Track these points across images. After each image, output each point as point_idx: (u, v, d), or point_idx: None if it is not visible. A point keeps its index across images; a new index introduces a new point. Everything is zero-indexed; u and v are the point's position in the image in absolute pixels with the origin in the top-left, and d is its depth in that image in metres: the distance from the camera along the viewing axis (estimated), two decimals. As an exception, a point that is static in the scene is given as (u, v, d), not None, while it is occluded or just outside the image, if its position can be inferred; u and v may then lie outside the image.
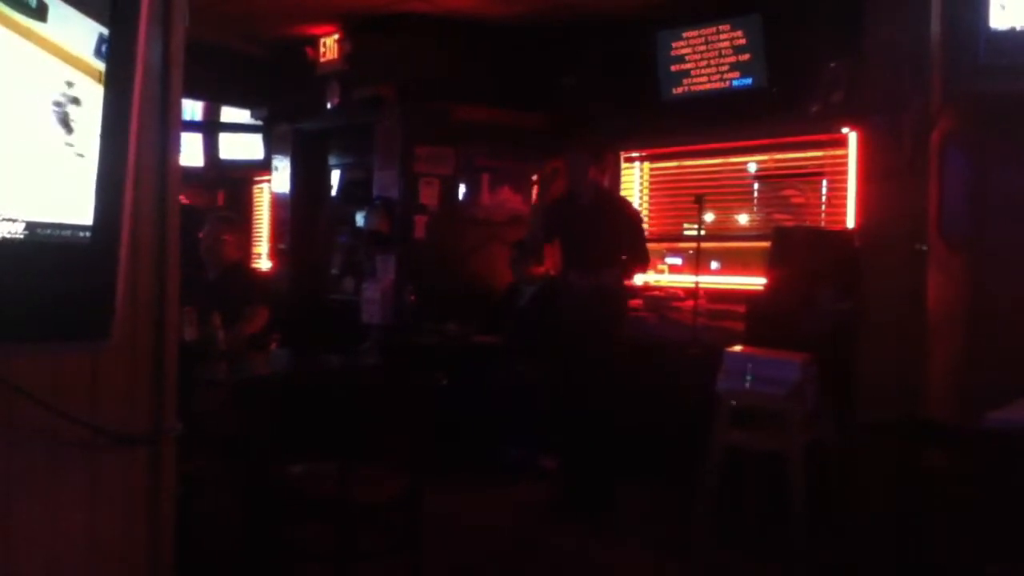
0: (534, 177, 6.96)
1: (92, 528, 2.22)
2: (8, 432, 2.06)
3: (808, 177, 5.65)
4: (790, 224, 5.61)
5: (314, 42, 7.09)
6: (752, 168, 5.93)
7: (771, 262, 4.97)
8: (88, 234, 2.07)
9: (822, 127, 5.34)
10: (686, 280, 5.85)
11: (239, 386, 3.88)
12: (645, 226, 5.72)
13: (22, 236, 1.96)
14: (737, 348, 4.34)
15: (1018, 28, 3.66)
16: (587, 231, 5.02)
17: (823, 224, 5.52)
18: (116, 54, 2.08)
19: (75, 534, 2.20)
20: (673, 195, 6.37)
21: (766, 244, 5.18)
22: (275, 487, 3.51)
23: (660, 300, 5.89)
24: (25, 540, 2.11)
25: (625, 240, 5.07)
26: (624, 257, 5.06)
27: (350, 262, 7.40)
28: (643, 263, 5.22)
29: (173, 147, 2.41)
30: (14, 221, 1.94)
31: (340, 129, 7.45)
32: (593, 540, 4.45)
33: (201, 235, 4.79)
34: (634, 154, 6.52)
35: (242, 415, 3.69)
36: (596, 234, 5.00)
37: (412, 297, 6.30)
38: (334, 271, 7.66)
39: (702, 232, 5.46)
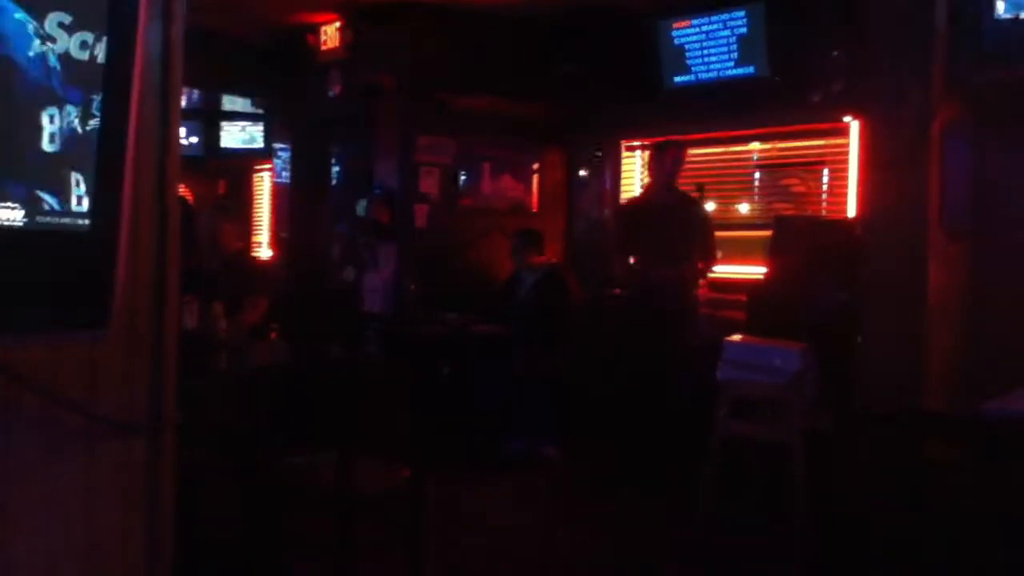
0: (535, 166, 6.95)
1: (90, 517, 2.23)
2: (6, 420, 2.06)
3: (809, 166, 5.64)
4: (791, 213, 5.60)
5: (315, 30, 7.06)
6: (754, 156, 5.91)
7: (772, 251, 4.96)
8: (87, 221, 2.07)
9: (824, 116, 5.32)
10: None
11: (240, 376, 3.88)
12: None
13: (21, 223, 1.96)
14: (737, 337, 4.34)
15: (1022, 17, 3.64)
16: (666, 228, 5.12)
17: (824, 213, 5.51)
18: (116, 42, 2.08)
19: (73, 523, 2.20)
20: (674, 184, 6.35)
21: (767, 233, 5.17)
22: (275, 478, 3.51)
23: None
24: (23, 528, 2.11)
25: (697, 236, 5.18)
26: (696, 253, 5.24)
27: (351, 251, 7.39)
28: (713, 258, 5.38)
29: (173, 135, 2.41)
30: (13, 208, 1.94)
31: (341, 118, 7.42)
32: (594, 530, 4.46)
33: (196, 228, 4.79)
34: (635, 143, 6.51)
35: (243, 406, 3.69)
36: (673, 230, 5.11)
37: (413, 286, 6.29)
38: (335, 260, 7.65)
39: (703, 221, 5.45)
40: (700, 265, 5.33)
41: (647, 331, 5.11)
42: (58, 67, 1.99)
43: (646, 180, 6.02)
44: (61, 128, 2.01)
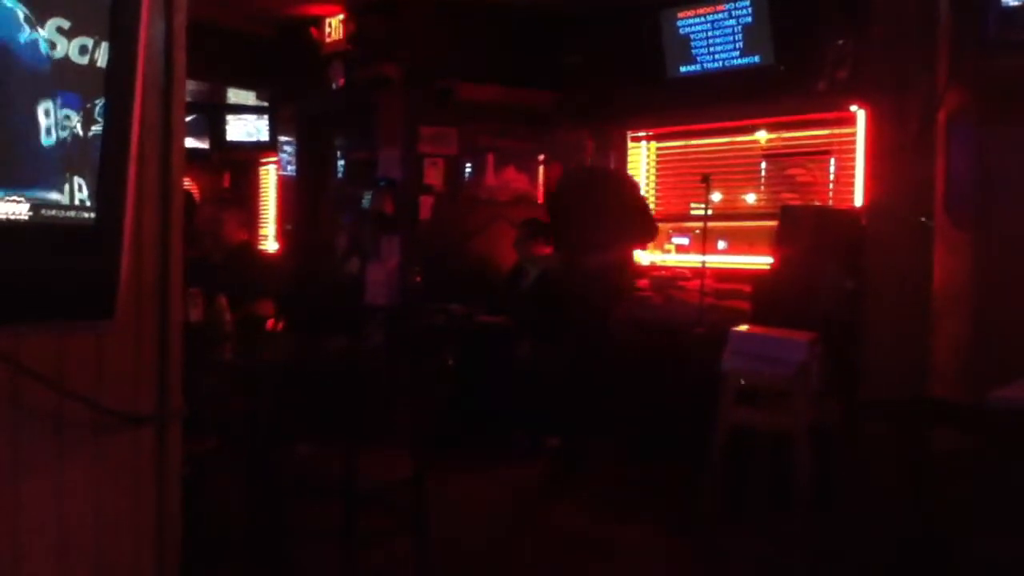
0: (540, 156, 6.94)
1: (99, 508, 2.24)
2: (14, 412, 2.07)
3: (815, 155, 5.63)
4: (797, 203, 5.59)
5: (318, 23, 7.06)
6: (761, 143, 5.91)
7: (778, 241, 4.95)
8: (92, 214, 2.07)
9: (829, 105, 5.30)
10: (692, 260, 5.84)
11: (245, 368, 3.90)
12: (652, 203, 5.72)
13: (27, 216, 1.96)
14: (743, 327, 4.34)
15: (1027, 3, 3.61)
16: (590, 210, 5.04)
17: (830, 203, 5.50)
18: (118, 35, 2.07)
19: (82, 514, 2.22)
20: (679, 174, 6.34)
21: (773, 223, 5.16)
22: (281, 468, 3.53)
23: (666, 280, 5.88)
24: (32, 520, 2.13)
25: (628, 215, 5.10)
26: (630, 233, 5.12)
27: (355, 243, 7.40)
28: (650, 233, 5.23)
29: (177, 128, 2.41)
30: (19, 201, 1.95)
31: (345, 110, 7.42)
32: (598, 519, 4.47)
33: (197, 221, 4.78)
34: (640, 133, 6.49)
35: (248, 397, 3.71)
36: (598, 212, 5.02)
37: (417, 278, 6.30)
38: (340, 252, 7.66)
39: (708, 211, 5.45)
40: (637, 244, 5.25)
41: (574, 322, 5.06)
42: (50, 53, 1.97)
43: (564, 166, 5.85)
44: (57, 124, 2.00)
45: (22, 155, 1.96)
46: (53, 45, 1.97)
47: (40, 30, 1.95)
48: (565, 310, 5.17)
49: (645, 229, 5.19)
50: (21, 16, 1.93)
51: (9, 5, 1.91)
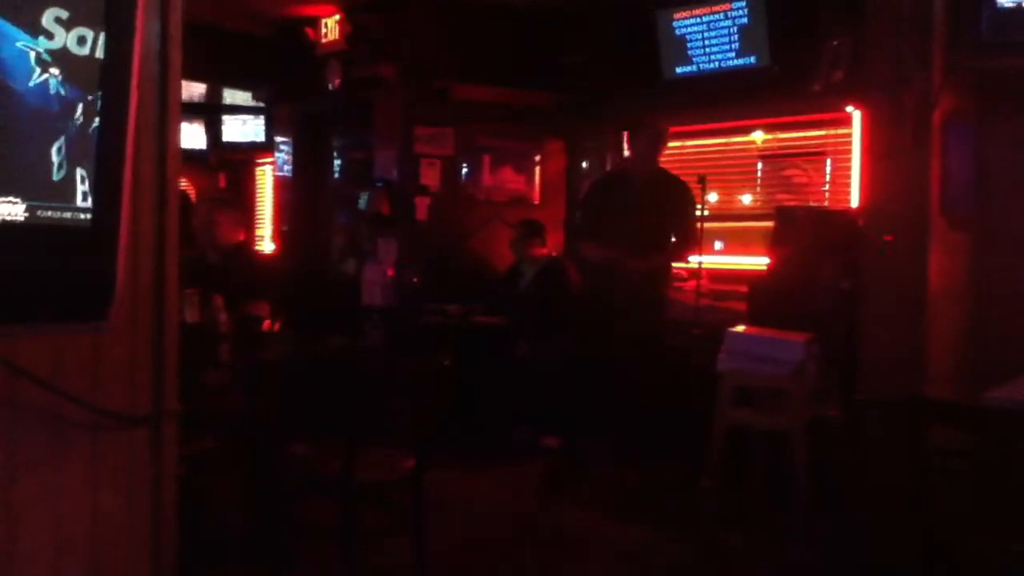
0: (536, 157, 6.94)
1: (96, 508, 2.24)
2: (11, 413, 2.07)
3: (811, 156, 5.63)
4: (793, 204, 5.59)
5: (315, 23, 7.05)
6: (757, 143, 5.91)
7: (774, 242, 4.95)
8: (88, 216, 2.07)
9: (825, 105, 5.30)
10: (689, 260, 5.84)
11: (244, 368, 3.89)
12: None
13: (23, 218, 1.96)
14: (739, 328, 4.34)
15: (1023, 4, 3.62)
16: (638, 211, 5.04)
17: (826, 204, 5.51)
18: (115, 37, 2.06)
19: (79, 514, 2.21)
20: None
21: (769, 224, 5.17)
22: (280, 466, 3.53)
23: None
24: (29, 520, 2.13)
25: (675, 220, 5.08)
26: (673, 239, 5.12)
27: (352, 243, 7.40)
28: (688, 245, 5.23)
29: (173, 129, 2.41)
30: (14, 203, 1.94)
31: (341, 110, 7.42)
32: (597, 518, 4.47)
33: (193, 221, 4.75)
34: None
35: (247, 397, 3.70)
36: (646, 214, 5.02)
37: (414, 279, 6.29)
38: (337, 253, 7.66)
39: (705, 212, 5.45)
40: (676, 252, 5.25)
41: (606, 325, 5.05)
42: (62, 92, 1.98)
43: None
44: (67, 142, 1.99)
45: (36, 189, 1.96)
46: (51, 37, 1.95)
47: (52, 70, 1.95)
48: (590, 308, 5.14)
49: (688, 245, 5.17)
50: (32, 58, 1.92)
51: (20, 47, 1.91)
